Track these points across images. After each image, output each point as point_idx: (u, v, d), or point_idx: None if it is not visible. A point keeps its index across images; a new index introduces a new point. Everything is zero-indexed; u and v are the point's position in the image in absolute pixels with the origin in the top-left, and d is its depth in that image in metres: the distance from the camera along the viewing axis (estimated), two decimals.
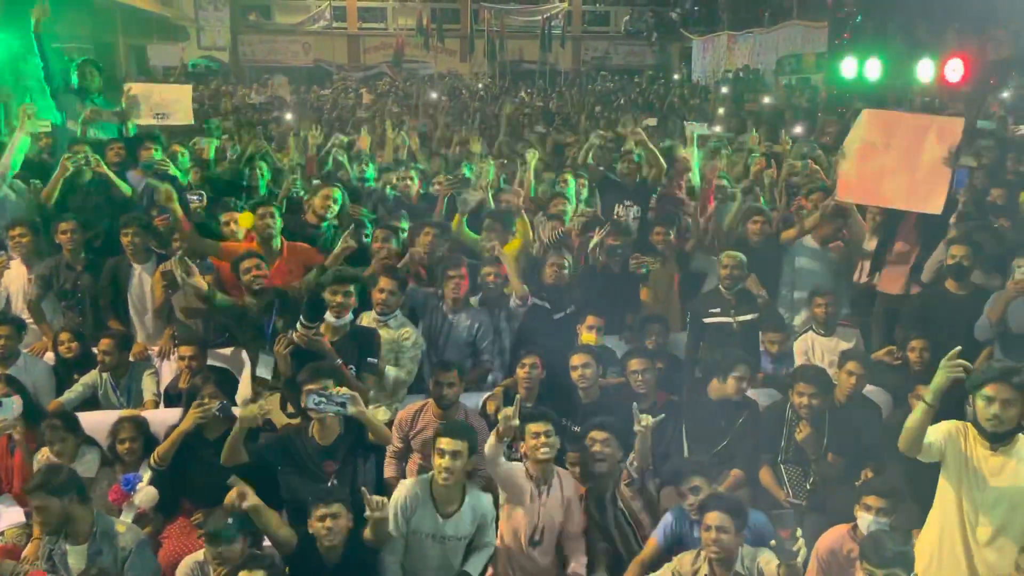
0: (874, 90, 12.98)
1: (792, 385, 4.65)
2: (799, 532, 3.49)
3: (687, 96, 18.59)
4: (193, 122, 7.20)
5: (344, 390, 3.95)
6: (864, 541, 3.55)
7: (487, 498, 4.13)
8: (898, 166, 5.54)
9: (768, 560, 3.65)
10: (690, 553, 3.83)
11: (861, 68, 12.35)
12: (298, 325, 4.39)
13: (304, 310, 4.39)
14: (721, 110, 13.86)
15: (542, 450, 4.06)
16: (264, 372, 4.75)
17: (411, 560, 3.97)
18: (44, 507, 3.65)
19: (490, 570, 4.19)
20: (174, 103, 7.05)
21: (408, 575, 3.98)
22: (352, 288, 4.71)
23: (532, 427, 4.09)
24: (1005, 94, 12.02)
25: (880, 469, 4.48)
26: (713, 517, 3.66)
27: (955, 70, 9.82)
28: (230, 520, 3.61)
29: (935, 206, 5.44)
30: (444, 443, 3.81)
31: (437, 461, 3.83)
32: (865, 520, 3.85)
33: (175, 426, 4.35)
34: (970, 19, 15.60)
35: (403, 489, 3.98)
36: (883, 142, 5.58)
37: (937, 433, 3.62)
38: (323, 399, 3.87)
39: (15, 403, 4.29)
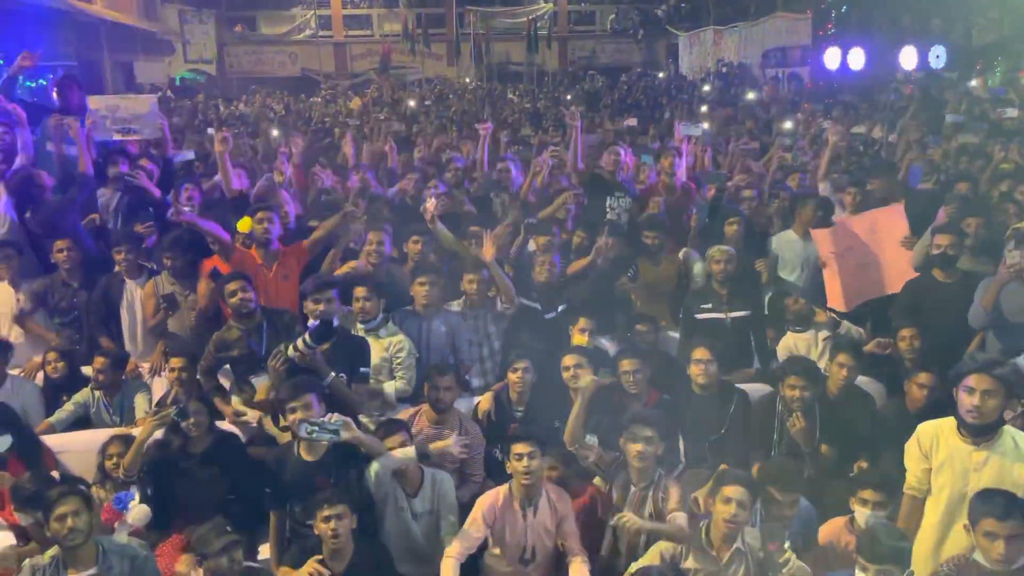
0: (858, 79, 13.00)
1: (783, 378, 4.63)
2: (787, 544, 3.49)
3: (674, 93, 18.61)
4: (162, 135, 6.84)
5: (336, 417, 3.93)
6: (861, 536, 3.53)
7: (446, 477, 4.26)
8: (866, 261, 5.93)
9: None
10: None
11: (845, 58, 12.37)
12: (300, 343, 4.29)
13: (313, 332, 4.28)
14: (704, 108, 13.87)
15: (524, 475, 3.98)
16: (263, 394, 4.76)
17: (401, 538, 4.17)
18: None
19: None
20: (139, 117, 6.75)
21: (399, 551, 4.11)
22: (333, 294, 4.70)
23: (516, 448, 4.01)
24: (973, 82, 11.99)
25: (874, 460, 4.47)
26: (733, 490, 3.60)
27: (938, 56, 9.83)
28: (219, 536, 3.60)
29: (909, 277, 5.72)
30: None
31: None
32: (863, 515, 3.84)
33: (158, 441, 4.35)
34: (954, 6, 15.68)
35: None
36: (845, 249, 5.92)
37: (918, 464, 3.68)
38: (315, 427, 3.84)
39: (5, 441, 4.36)
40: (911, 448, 3.72)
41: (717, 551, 3.67)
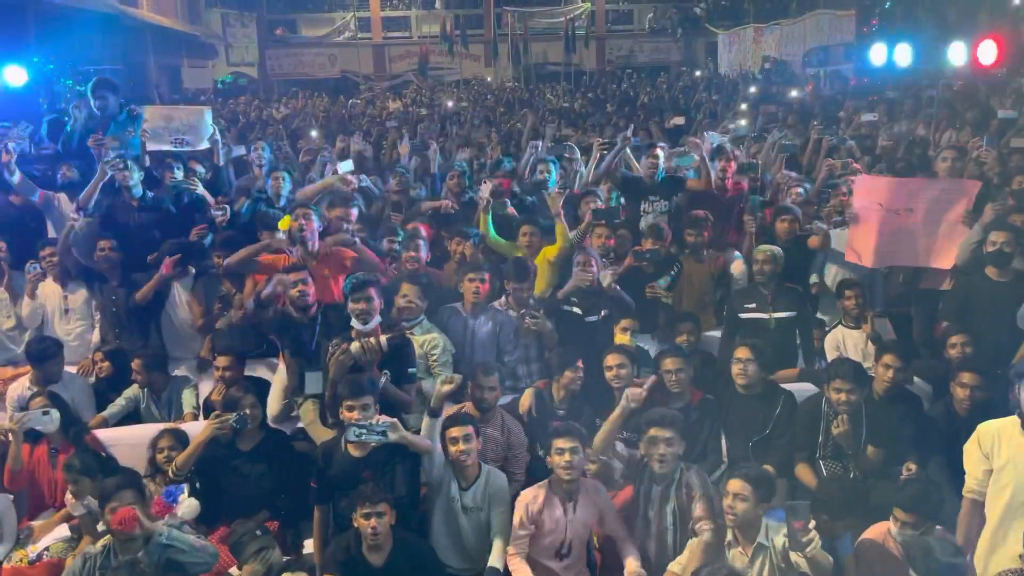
0: (904, 76, 12.74)
1: (828, 380, 4.57)
2: (812, 524, 3.47)
3: (712, 92, 18.41)
4: (208, 146, 6.84)
5: (384, 418, 3.99)
6: (914, 550, 3.48)
7: (502, 476, 4.28)
8: (918, 229, 5.67)
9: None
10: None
11: (890, 54, 12.11)
12: (372, 341, 4.30)
13: (392, 340, 4.35)
14: (744, 106, 13.72)
15: (565, 470, 3.99)
16: (314, 388, 4.76)
17: (448, 528, 4.23)
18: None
19: None
20: (193, 128, 6.77)
21: (445, 542, 4.22)
22: (373, 292, 4.65)
23: (558, 442, 4.02)
24: None
25: (922, 462, 4.40)
26: (734, 484, 3.71)
27: (988, 52, 9.56)
28: (258, 533, 3.68)
29: (947, 261, 5.60)
30: (455, 431, 4.13)
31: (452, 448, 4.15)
32: (892, 531, 3.78)
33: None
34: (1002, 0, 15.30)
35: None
36: (906, 207, 5.68)
37: (979, 466, 3.60)
38: (363, 430, 3.90)
39: (54, 416, 4.62)
40: (971, 449, 3.64)
41: (741, 545, 3.74)
